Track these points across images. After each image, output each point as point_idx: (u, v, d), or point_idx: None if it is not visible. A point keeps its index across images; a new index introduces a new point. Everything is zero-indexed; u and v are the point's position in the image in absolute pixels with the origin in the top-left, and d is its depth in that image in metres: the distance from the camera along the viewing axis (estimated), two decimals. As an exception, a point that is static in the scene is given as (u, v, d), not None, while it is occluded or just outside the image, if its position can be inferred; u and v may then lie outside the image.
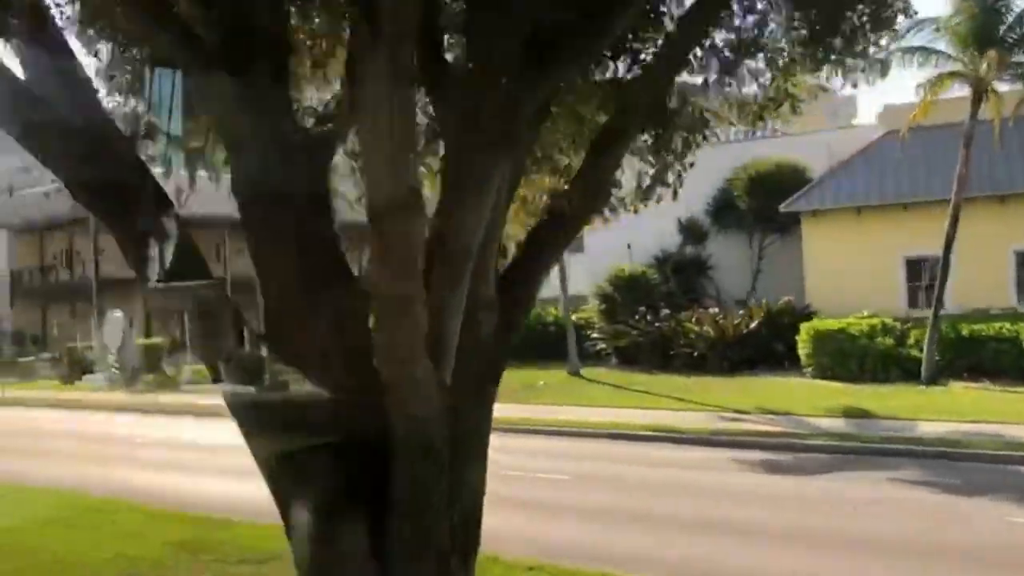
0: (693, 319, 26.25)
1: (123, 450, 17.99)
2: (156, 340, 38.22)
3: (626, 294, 29.32)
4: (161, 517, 11.05)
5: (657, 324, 26.82)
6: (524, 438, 17.18)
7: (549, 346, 31.14)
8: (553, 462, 14.93)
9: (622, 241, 34.02)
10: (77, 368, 34.80)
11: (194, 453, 17.33)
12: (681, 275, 31.39)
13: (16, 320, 51.93)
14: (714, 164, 34.21)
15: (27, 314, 52.31)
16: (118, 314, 34.47)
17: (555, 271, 38.64)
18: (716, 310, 27.30)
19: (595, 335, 29.54)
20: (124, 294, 48.68)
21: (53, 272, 52.94)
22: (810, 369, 23.19)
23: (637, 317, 27.57)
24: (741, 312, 26.29)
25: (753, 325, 25.34)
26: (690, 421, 17.22)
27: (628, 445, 16.09)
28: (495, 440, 5.24)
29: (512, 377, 24.72)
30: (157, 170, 5.48)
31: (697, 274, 32.02)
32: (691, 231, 31.59)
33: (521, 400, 22.24)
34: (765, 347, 24.96)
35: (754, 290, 30.70)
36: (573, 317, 31.55)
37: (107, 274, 49.75)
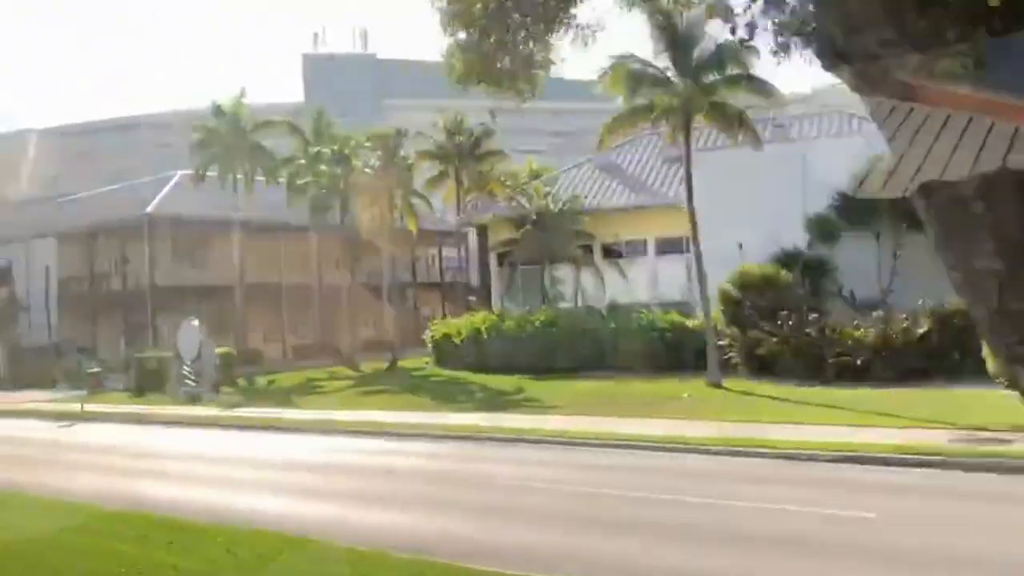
0: (853, 323, 23.79)
1: (264, 474, 15.59)
2: (224, 349, 35.92)
3: (756, 297, 26.76)
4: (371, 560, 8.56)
5: (807, 330, 24.28)
6: (739, 461, 14.74)
7: (666, 355, 28.77)
8: (831, 493, 12.41)
9: (725, 240, 31.68)
10: (158, 380, 32.42)
11: (339, 477, 14.99)
12: (806, 276, 28.88)
13: (64, 329, 49.65)
14: (834, 155, 31.91)
15: (76, 323, 50.13)
16: (195, 322, 32.19)
17: (669, 273, 36.46)
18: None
19: (721, 342, 27.00)
20: (181, 301, 46.55)
21: (104, 280, 50.70)
22: (1004, 379, 20.58)
23: (779, 323, 25.05)
24: (904, 316, 23.72)
25: (922, 330, 22.78)
26: (934, 441, 14.68)
27: (884, 472, 13.47)
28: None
29: (645, 389, 22.30)
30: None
31: (821, 275, 29.49)
32: (822, 228, 28.97)
33: (667, 414, 19.82)
34: (938, 354, 22.38)
35: (890, 291, 28.23)
36: (689, 324, 29.20)
37: (162, 282, 47.58)
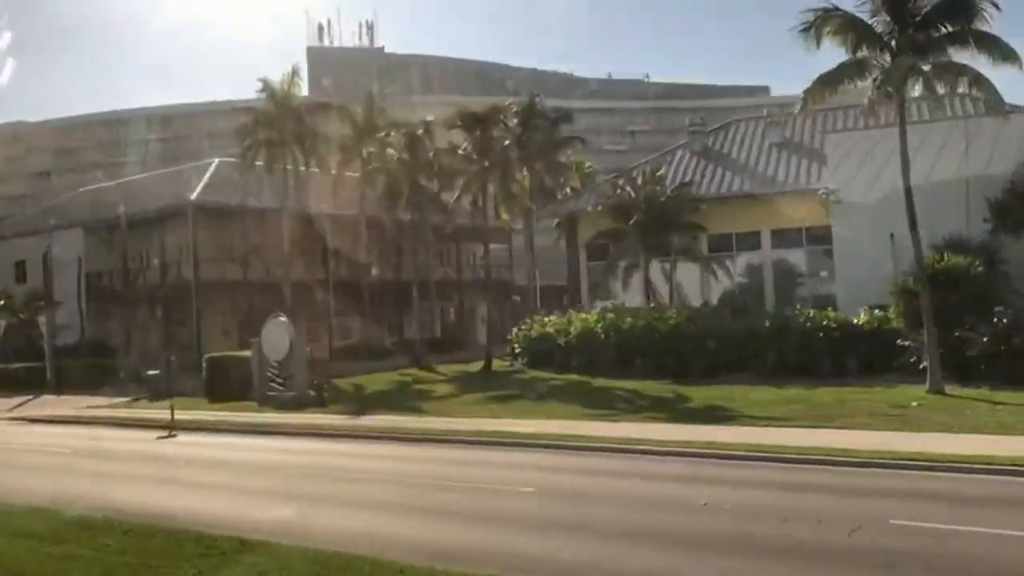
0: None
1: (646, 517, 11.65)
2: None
3: (948, 293, 23.64)
4: None
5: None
6: None
7: (832, 357, 25.63)
8: None
9: (871, 230, 28.64)
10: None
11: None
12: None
13: (91, 327, 45.47)
14: (998, 135, 28.82)
15: (105, 320, 46.05)
16: (282, 319, 28.49)
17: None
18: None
19: (905, 343, 23.94)
20: (227, 296, 42.70)
21: (139, 274, 46.49)
22: None
23: (995, 320, 22.01)
24: None
25: None
26: None
27: None
28: None
29: (853, 397, 18.64)
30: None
31: (990, 266, 26.43)
32: (1011, 214, 25.88)
33: (936, 428, 16.56)
34: None
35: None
36: (857, 321, 26.02)
37: (204, 276, 43.51)
